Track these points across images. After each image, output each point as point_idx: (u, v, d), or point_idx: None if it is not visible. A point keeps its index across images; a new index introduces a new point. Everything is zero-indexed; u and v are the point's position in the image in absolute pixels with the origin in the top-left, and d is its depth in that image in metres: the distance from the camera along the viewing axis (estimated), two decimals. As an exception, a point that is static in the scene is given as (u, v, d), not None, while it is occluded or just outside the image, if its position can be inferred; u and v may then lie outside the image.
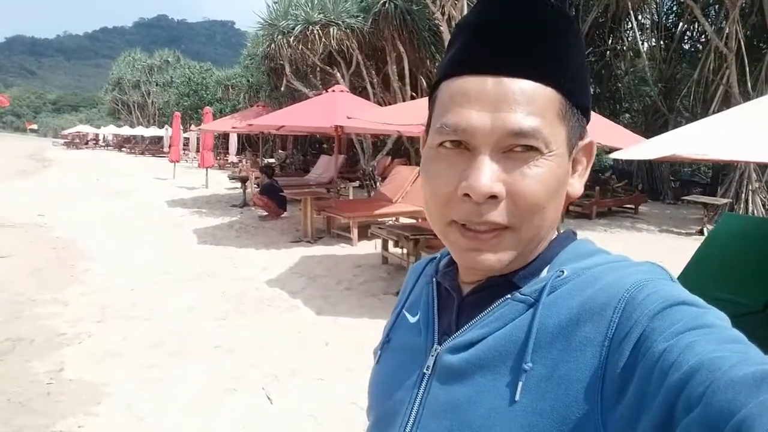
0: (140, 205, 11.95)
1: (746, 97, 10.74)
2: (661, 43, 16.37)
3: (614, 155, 3.71)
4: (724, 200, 10.42)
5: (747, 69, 10.71)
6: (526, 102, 0.52)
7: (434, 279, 0.68)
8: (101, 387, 3.52)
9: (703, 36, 14.90)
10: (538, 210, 0.53)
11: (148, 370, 3.74)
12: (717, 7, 12.46)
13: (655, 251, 8.24)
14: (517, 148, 0.52)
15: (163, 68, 44.13)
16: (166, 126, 29.01)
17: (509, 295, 0.57)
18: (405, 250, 6.03)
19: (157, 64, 44.66)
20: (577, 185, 0.60)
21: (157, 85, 43.62)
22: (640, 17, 16.46)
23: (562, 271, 0.56)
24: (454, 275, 0.65)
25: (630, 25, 16.70)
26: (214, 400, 3.33)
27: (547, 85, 0.53)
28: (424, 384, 0.60)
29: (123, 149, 41.42)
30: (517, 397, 0.51)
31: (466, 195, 0.52)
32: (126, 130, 41.25)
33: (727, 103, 11.10)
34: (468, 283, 0.62)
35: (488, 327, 0.56)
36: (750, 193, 10.44)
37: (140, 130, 39.21)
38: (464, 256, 0.56)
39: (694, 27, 16.07)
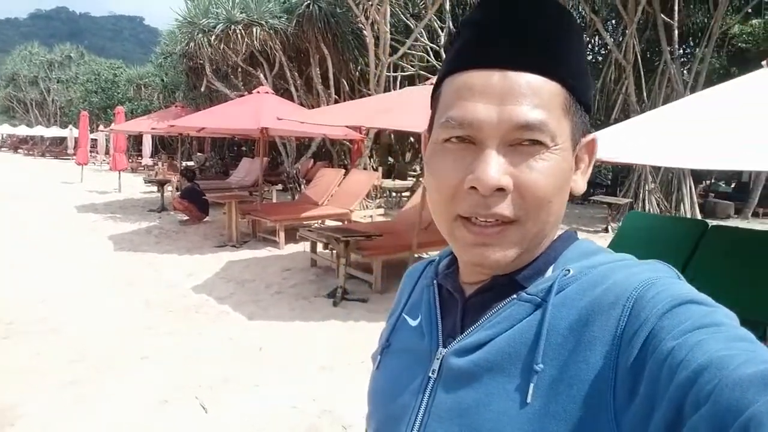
0: (47, 210, 11.10)
1: (642, 106, 11.76)
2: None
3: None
4: (626, 200, 11.34)
5: (643, 79, 11.71)
6: (533, 95, 0.52)
7: (434, 281, 0.66)
8: (13, 408, 3.26)
9: (604, 48, 16.10)
10: (545, 204, 0.53)
11: (68, 386, 3.51)
12: (615, 21, 13.49)
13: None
14: (524, 141, 0.52)
15: (65, 64, 41.19)
16: (71, 126, 27.07)
17: (515, 296, 0.56)
18: (335, 252, 6.06)
19: (58, 59, 41.63)
20: (580, 182, 0.59)
21: (58, 81, 40.62)
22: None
23: (568, 270, 0.55)
24: (455, 277, 0.64)
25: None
26: (145, 414, 3.20)
27: (552, 80, 0.53)
28: (429, 388, 0.59)
29: (20, 150, 38.19)
30: (528, 400, 0.50)
31: (473, 188, 0.52)
32: (23, 130, 38.03)
33: (626, 110, 12.10)
34: (471, 284, 0.61)
35: (495, 328, 0.55)
36: (647, 193, 11.43)
37: (40, 130, 36.33)
38: (470, 251, 0.55)
39: (596, 39, 17.31)
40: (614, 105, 12.17)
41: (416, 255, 5.95)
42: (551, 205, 0.54)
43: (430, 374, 0.59)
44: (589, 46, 17.80)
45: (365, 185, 8.80)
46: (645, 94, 11.75)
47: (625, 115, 12.00)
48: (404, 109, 4.85)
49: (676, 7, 11.33)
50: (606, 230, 10.73)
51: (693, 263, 4.24)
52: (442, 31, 13.50)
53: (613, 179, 19.33)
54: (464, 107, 0.53)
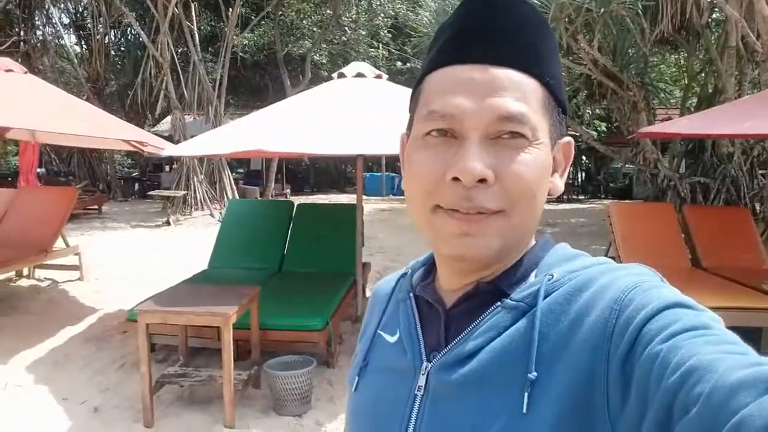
0: None
1: (183, 102, 12.46)
2: (83, 42, 16.36)
3: (176, 152, 3.99)
4: (182, 192, 11.85)
5: (181, 77, 12.36)
6: (514, 88, 0.53)
7: (411, 294, 0.65)
8: None
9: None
10: (529, 195, 0.54)
11: None
12: (149, 19, 13.48)
13: (140, 246, 8.68)
14: (505, 135, 0.52)
15: None
16: None
17: (499, 303, 0.56)
18: None
19: None
20: (558, 183, 0.60)
21: None
22: (55, 12, 15.87)
23: (552, 275, 0.55)
24: (434, 288, 0.63)
25: (46, 19, 15.90)
26: None
27: (531, 76, 0.54)
28: (417, 406, 0.57)
29: None
30: (524, 410, 0.49)
31: (455, 179, 0.52)
32: None
33: (170, 106, 12.52)
34: (452, 292, 0.60)
35: (482, 338, 0.54)
36: (197, 184, 12.26)
37: None
38: (452, 242, 0.55)
39: (130, 31, 16.80)
40: (157, 100, 12.38)
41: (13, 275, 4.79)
42: (535, 198, 0.54)
43: (416, 391, 0.57)
44: (120, 36, 17.14)
45: None
46: (185, 90, 12.44)
47: (170, 109, 12.43)
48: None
49: (194, 14, 12.42)
50: (168, 223, 10.98)
51: (292, 233, 5.21)
52: None
53: (141, 173, 19.55)
54: (446, 100, 0.54)
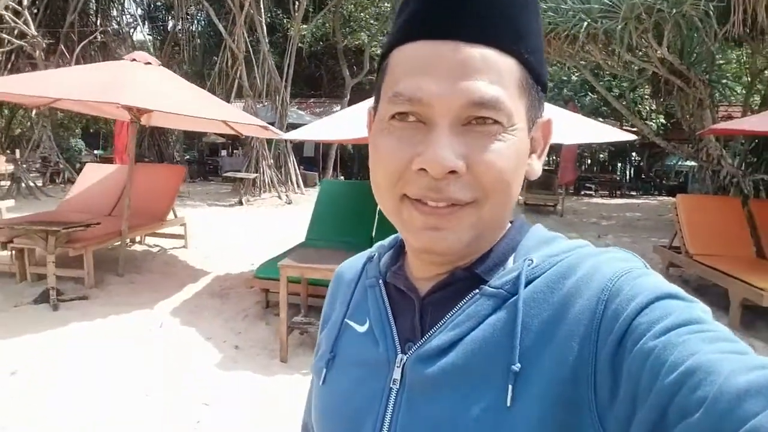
0: None
1: (255, 90, 13.21)
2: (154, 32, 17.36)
3: (294, 136, 4.60)
4: (254, 175, 12.65)
5: (254, 66, 13.12)
6: (488, 70, 0.48)
7: (380, 281, 0.62)
8: None
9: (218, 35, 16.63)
10: (503, 185, 0.50)
11: None
12: (225, 12, 14.31)
13: (222, 221, 9.48)
14: (478, 120, 0.48)
15: None
16: None
17: (477, 290, 0.53)
18: (15, 253, 4.99)
19: None
20: (536, 166, 0.56)
21: None
22: (127, 4, 16.91)
23: (531, 260, 0.52)
24: (405, 273, 0.60)
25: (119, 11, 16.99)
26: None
27: (508, 55, 0.49)
28: (392, 400, 0.54)
29: None
30: (508, 404, 0.46)
31: (422, 170, 0.48)
32: None
33: (240, 93, 13.31)
34: (424, 280, 0.57)
35: (460, 327, 0.51)
36: (266, 167, 13.04)
37: None
38: (420, 236, 0.51)
39: (198, 22, 17.64)
40: (231, 88, 13.20)
41: (128, 240, 5.56)
42: (510, 188, 0.51)
43: (391, 385, 0.54)
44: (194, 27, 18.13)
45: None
46: (257, 79, 13.20)
47: (240, 98, 13.22)
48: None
49: (262, 7, 13.12)
50: (240, 203, 11.78)
51: (380, 212, 5.77)
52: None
53: (199, 156, 20.61)
54: (414, 82, 0.49)
